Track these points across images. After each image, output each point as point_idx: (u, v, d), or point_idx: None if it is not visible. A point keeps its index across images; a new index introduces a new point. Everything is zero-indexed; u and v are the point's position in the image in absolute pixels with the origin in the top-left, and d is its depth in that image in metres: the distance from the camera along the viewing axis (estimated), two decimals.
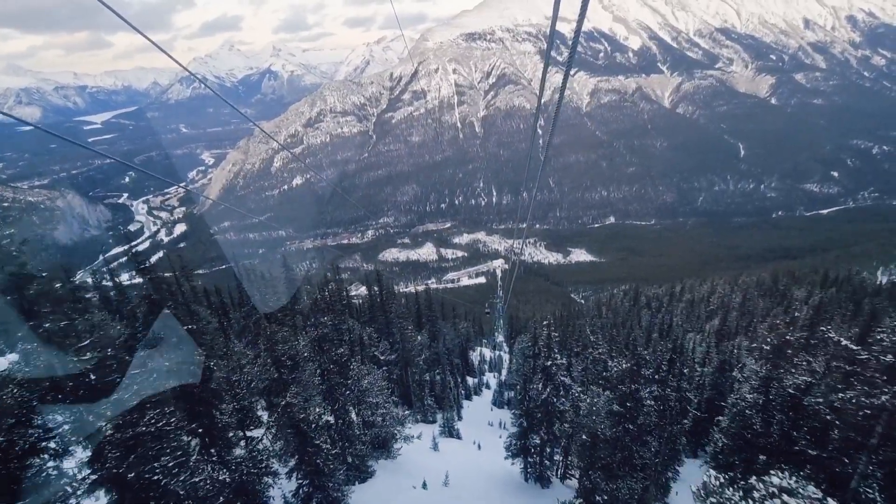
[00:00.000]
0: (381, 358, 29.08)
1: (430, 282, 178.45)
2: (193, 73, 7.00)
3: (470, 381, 48.01)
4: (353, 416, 18.86)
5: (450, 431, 27.86)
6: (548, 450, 21.40)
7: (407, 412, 29.32)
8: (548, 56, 4.65)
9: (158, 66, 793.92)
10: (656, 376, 17.09)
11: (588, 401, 17.35)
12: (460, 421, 32.59)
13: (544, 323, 20.27)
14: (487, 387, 49.51)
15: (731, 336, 43.52)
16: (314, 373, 15.94)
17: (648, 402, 16.05)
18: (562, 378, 19.91)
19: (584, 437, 17.30)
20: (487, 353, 64.99)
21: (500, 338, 77.93)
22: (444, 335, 43.43)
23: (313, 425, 13.61)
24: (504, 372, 54.36)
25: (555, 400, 19.46)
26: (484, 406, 41.86)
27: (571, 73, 4.54)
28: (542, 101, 5.81)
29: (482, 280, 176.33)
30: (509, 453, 21.29)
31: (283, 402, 13.24)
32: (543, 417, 19.82)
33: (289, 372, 14.29)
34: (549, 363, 19.46)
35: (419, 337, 35.28)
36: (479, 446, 26.63)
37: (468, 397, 43.32)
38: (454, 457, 23.30)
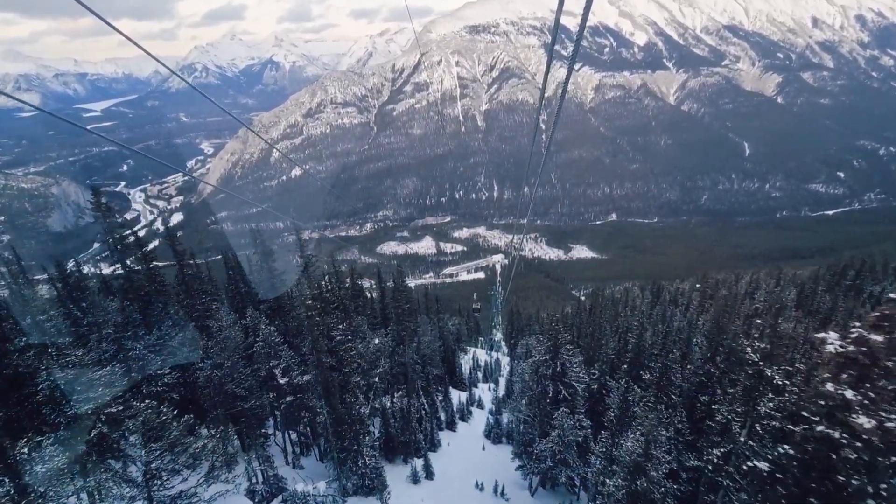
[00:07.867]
0: (282, 382, 17.77)
1: (427, 276, 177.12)
2: (177, 73, 6.78)
3: (456, 397, 36.27)
4: None
5: None
6: None
7: (320, 487, 16.72)
8: (551, 51, 4.75)
9: (161, 55, 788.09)
10: None
11: None
12: (430, 479, 21.28)
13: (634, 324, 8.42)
14: (480, 406, 37.82)
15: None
16: None
17: None
18: None
19: None
20: (482, 355, 57.36)
21: (499, 335, 73.73)
22: (419, 336, 33.67)
23: None
24: (502, 382, 45.27)
25: None
26: (472, 442, 29.11)
27: (576, 67, 3.75)
28: (546, 95, 5.32)
29: (481, 275, 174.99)
30: None
31: None
32: None
33: None
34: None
35: (376, 340, 26.16)
36: None
37: (450, 425, 31.03)
38: None
